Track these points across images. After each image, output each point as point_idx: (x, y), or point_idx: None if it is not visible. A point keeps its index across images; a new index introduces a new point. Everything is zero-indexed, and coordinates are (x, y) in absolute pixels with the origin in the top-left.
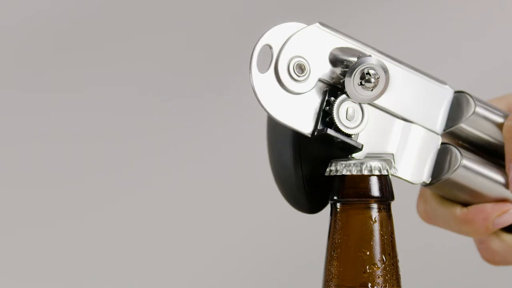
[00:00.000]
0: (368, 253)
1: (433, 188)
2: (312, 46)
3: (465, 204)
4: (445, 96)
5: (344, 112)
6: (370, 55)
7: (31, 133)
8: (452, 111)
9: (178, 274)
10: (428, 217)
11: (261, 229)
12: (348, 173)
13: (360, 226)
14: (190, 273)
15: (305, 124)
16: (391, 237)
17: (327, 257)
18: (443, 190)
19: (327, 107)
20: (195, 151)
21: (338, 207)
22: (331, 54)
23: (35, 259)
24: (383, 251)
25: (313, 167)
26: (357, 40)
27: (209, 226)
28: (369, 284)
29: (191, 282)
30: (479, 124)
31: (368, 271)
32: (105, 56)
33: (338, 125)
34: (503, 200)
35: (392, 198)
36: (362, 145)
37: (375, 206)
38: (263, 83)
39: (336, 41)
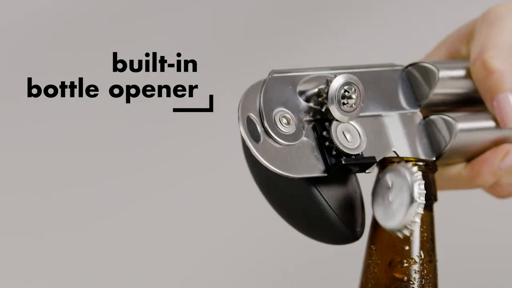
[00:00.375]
0: (406, 248)
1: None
2: (280, 94)
3: (467, 161)
4: (398, 74)
5: (343, 137)
6: (334, 76)
7: (31, 135)
8: (418, 85)
9: (179, 274)
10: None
11: (261, 229)
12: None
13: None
14: (190, 273)
15: (317, 167)
16: (432, 235)
17: (367, 250)
18: (447, 159)
19: (326, 142)
20: (194, 151)
21: None
22: (300, 92)
23: (34, 260)
24: (422, 247)
25: (337, 198)
26: (313, 68)
27: (209, 226)
28: (405, 278)
29: (191, 282)
30: (448, 85)
31: (405, 265)
32: (105, 58)
33: (345, 151)
34: (500, 142)
35: (436, 198)
36: (374, 157)
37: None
38: (265, 151)
39: (297, 79)
